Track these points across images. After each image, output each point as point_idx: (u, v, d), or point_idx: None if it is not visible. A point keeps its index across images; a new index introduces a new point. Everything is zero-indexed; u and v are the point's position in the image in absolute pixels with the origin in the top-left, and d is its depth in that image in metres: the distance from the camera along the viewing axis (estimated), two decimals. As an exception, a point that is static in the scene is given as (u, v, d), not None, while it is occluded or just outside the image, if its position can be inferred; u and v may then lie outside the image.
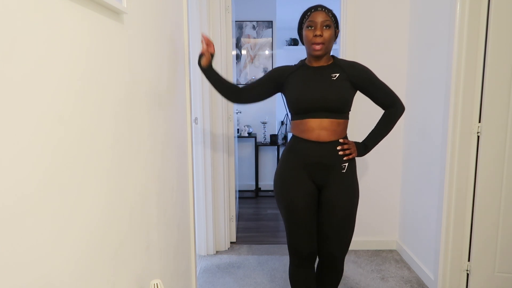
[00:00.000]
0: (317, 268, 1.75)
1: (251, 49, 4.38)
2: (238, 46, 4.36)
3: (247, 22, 4.32)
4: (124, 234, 0.92)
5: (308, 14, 1.56)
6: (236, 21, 4.22)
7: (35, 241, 0.56)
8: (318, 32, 1.51)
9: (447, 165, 2.05)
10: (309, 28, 1.54)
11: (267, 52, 4.37)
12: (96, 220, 0.77)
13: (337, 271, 1.70)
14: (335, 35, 1.59)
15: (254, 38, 4.35)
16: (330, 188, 1.59)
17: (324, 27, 1.52)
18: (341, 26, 2.64)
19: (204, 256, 2.73)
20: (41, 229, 0.58)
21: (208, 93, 2.59)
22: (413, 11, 2.54)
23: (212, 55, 1.64)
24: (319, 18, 1.51)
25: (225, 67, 2.68)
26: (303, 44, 1.62)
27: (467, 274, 2.11)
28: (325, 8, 1.55)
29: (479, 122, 1.99)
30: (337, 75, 1.56)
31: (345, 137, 1.62)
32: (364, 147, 1.64)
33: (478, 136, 2.00)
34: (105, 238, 0.81)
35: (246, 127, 4.25)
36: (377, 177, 2.77)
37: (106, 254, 0.81)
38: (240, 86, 1.75)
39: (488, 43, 1.92)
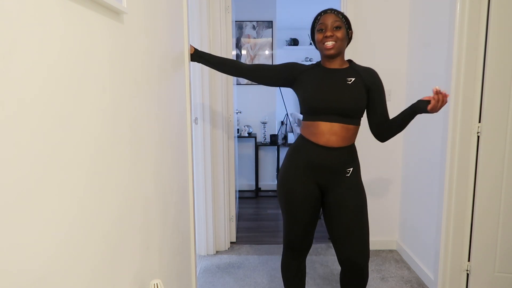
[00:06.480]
0: (340, 275, 1.69)
1: (251, 49, 4.37)
2: (238, 46, 4.36)
3: (247, 22, 4.32)
4: (124, 234, 0.92)
5: (318, 18, 1.58)
6: (236, 21, 4.22)
7: (33, 241, 0.56)
8: (328, 33, 1.52)
9: (447, 165, 2.05)
10: (320, 31, 1.56)
11: (267, 52, 4.37)
12: (96, 220, 0.77)
13: (362, 278, 1.63)
14: (349, 36, 1.59)
15: (254, 38, 4.34)
16: (334, 190, 1.59)
17: (335, 28, 1.53)
18: (341, 26, 2.64)
19: (204, 256, 2.73)
20: (39, 229, 0.58)
21: (208, 93, 2.59)
22: (413, 11, 2.54)
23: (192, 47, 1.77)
24: (329, 20, 1.53)
25: (225, 67, 2.68)
26: (317, 48, 1.63)
27: (467, 274, 2.11)
28: (335, 10, 1.57)
29: (479, 122, 1.99)
30: (353, 79, 1.55)
31: (353, 144, 1.60)
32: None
33: (478, 136, 2.00)
34: (105, 238, 0.81)
35: (246, 127, 4.24)
36: (377, 177, 2.77)
37: (106, 254, 0.82)
38: (246, 64, 1.79)
39: (488, 43, 1.92)
